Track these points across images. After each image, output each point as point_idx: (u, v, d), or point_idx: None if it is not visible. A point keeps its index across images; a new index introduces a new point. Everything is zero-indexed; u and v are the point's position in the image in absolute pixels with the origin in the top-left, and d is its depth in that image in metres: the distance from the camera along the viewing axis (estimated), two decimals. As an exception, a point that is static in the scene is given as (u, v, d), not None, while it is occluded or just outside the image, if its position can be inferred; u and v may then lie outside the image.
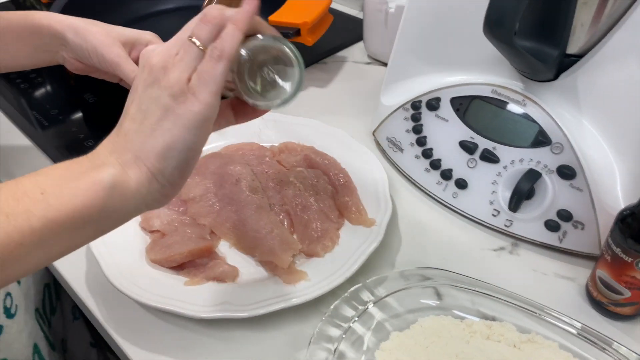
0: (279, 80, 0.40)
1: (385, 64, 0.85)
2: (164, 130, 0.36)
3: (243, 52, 0.39)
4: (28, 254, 0.33)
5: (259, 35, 0.40)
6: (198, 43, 0.37)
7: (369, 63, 0.87)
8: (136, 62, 0.58)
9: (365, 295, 0.49)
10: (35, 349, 0.57)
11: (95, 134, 0.73)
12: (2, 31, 0.58)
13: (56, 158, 0.69)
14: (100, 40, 0.56)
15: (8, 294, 0.53)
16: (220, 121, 0.43)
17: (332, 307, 0.47)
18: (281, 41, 0.40)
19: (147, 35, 0.59)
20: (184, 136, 0.36)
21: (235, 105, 0.44)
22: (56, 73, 0.83)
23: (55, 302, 0.66)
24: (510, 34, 0.48)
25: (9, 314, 0.53)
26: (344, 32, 0.94)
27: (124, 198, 0.36)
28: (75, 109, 0.78)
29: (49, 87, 0.84)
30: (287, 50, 0.39)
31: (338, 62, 0.88)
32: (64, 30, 0.57)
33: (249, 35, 0.39)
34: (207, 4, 0.47)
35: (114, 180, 0.35)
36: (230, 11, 0.38)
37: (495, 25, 0.48)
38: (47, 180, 0.34)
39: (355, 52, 0.90)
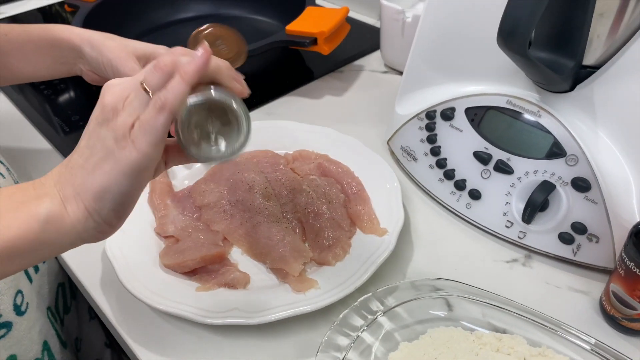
0: (220, 139, 0.39)
1: (401, 73, 0.85)
2: (103, 172, 0.36)
3: (190, 101, 0.38)
4: None
5: (211, 88, 0.38)
6: (148, 89, 0.36)
7: (385, 72, 0.88)
8: None
9: (375, 305, 0.49)
10: (45, 346, 0.58)
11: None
12: (23, 43, 0.60)
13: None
14: (115, 54, 0.57)
15: (19, 291, 0.55)
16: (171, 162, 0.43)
17: (341, 316, 0.47)
18: (232, 98, 0.39)
19: (160, 49, 0.60)
20: (120, 181, 0.36)
21: (171, 148, 0.42)
22: (79, 80, 0.85)
23: (70, 302, 0.68)
24: (524, 45, 0.48)
25: (19, 311, 0.54)
26: (361, 41, 0.94)
27: (59, 232, 0.36)
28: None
29: (72, 94, 0.86)
30: (235, 108, 0.38)
31: (355, 71, 0.88)
32: (82, 44, 0.59)
33: (202, 83, 0.39)
34: (193, 41, 0.47)
35: (50, 215, 0.36)
36: (184, 59, 0.37)
37: (509, 36, 0.48)
38: None
39: (372, 61, 0.90)
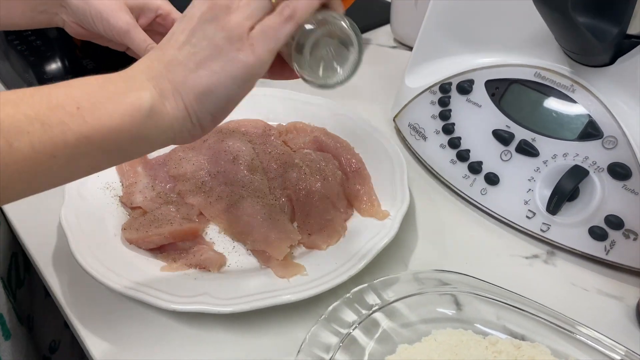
0: (334, 62, 0.38)
1: (412, 48, 0.78)
2: (210, 72, 0.34)
3: (319, 17, 0.36)
4: (57, 168, 0.31)
5: (330, 11, 0.36)
6: None
7: (394, 47, 0.80)
8: (145, 29, 0.53)
9: (371, 298, 0.41)
10: (0, 319, 0.51)
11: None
12: None
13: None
14: (106, 4, 0.50)
15: None
16: None
17: (330, 308, 0.40)
18: (349, 22, 0.36)
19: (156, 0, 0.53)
20: (227, 84, 0.34)
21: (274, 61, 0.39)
22: (62, 41, 0.77)
23: (24, 274, 0.60)
24: (566, 1, 0.40)
25: None
26: (369, 13, 0.87)
27: (158, 128, 0.34)
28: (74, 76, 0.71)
29: (55, 57, 0.78)
30: (352, 33, 0.36)
31: (361, 45, 0.80)
32: None
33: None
34: None
35: (153, 108, 0.33)
36: None
37: (548, -12, 0.40)
38: (82, 95, 0.32)
39: (380, 35, 0.83)
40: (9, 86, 0.71)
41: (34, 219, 0.50)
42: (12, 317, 0.54)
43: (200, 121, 0.35)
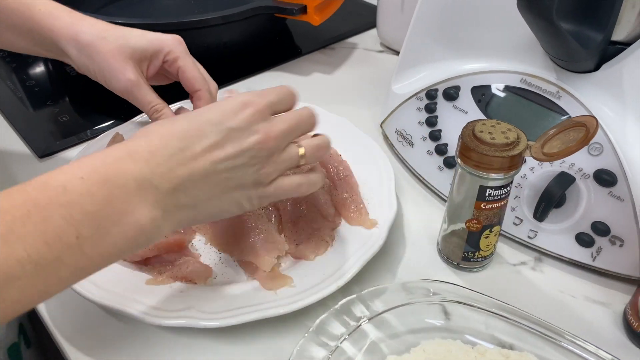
0: None
1: (399, 52, 0.78)
2: (229, 201, 0.37)
3: None
4: (45, 297, 0.30)
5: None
6: (301, 152, 0.39)
7: (381, 51, 0.80)
8: (153, 78, 0.52)
9: (359, 310, 0.41)
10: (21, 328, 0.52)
11: (77, 110, 0.67)
12: None
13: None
14: (109, 62, 0.48)
15: None
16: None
17: (318, 321, 0.39)
18: None
19: (168, 42, 0.50)
20: (231, 212, 0.38)
21: None
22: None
23: None
24: (551, 7, 0.40)
25: None
26: (355, 17, 0.87)
27: (151, 241, 0.34)
28: (59, 89, 0.70)
29: (39, 61, 0.76)
30: None
31: (347, 49, 0.80)
32: (67, 44, 0.49)
33: None
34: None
35: (155, 227, 0.33)
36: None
37: (534, -4, 0.40)
38: (83, 218, 0.29)
39: (366, 39, 0.82)
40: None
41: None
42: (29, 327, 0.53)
43: (177, 228, 0.36)
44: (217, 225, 0.48)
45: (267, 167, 0.37)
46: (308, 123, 0.41)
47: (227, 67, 0.73)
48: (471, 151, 0.41)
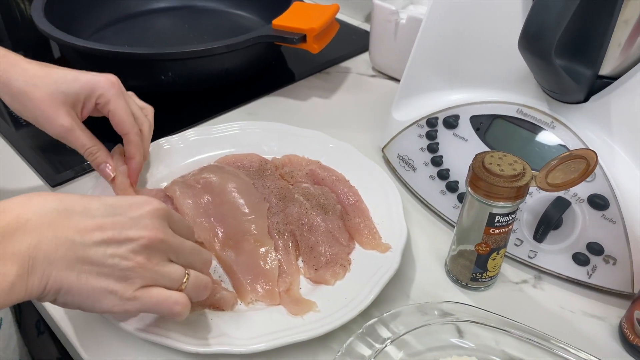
0: None
1: (391, 78, 0.81)
2: (103, 288, 0.36)
3: None
4: None
5: None
6: (185, 279, 0.40)
7: (373, 76, 0.83)
8: (86, 117, 0.52)
9: (383, 332, 0.44)
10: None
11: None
12: None
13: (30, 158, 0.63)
14: (41, 110, 0.48)
15: None
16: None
17: (346, 344, 0.42)
18: None
19: (100, 84, 0.50)
20: (100, 308, 0.37)
21: None
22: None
23: (19, 316, 0.60)
24: (550, 50, 0.44)
25: None
26: (347, 42, 0.90)
27: (10, 301, 0.33)
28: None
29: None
30: None
31: (341, 73, 0.83)
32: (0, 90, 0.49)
33: None
34: None
35: (14, 285, 0.33)
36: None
37: (534, 39, 0.44)
38: None
39: (359, 64, 0.86)
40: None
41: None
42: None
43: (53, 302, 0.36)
44: (230, 260, 0.50)
45: (143, 269, 0.37)
46: (201, 261, 0.42)
47: (228, 93, 0.75)
48: (481, 181, 0.44)
